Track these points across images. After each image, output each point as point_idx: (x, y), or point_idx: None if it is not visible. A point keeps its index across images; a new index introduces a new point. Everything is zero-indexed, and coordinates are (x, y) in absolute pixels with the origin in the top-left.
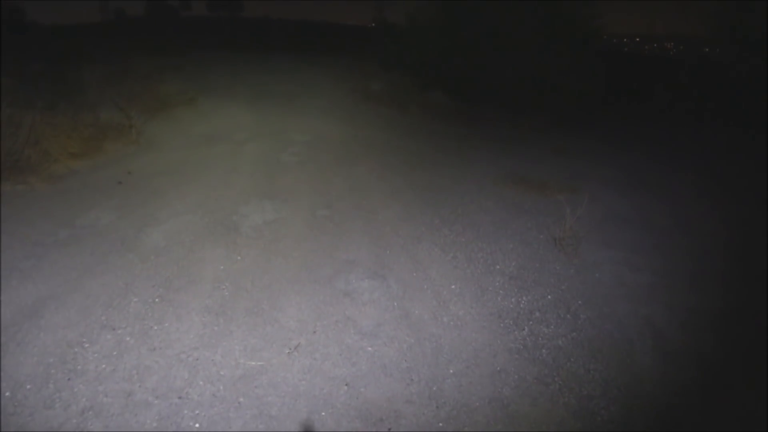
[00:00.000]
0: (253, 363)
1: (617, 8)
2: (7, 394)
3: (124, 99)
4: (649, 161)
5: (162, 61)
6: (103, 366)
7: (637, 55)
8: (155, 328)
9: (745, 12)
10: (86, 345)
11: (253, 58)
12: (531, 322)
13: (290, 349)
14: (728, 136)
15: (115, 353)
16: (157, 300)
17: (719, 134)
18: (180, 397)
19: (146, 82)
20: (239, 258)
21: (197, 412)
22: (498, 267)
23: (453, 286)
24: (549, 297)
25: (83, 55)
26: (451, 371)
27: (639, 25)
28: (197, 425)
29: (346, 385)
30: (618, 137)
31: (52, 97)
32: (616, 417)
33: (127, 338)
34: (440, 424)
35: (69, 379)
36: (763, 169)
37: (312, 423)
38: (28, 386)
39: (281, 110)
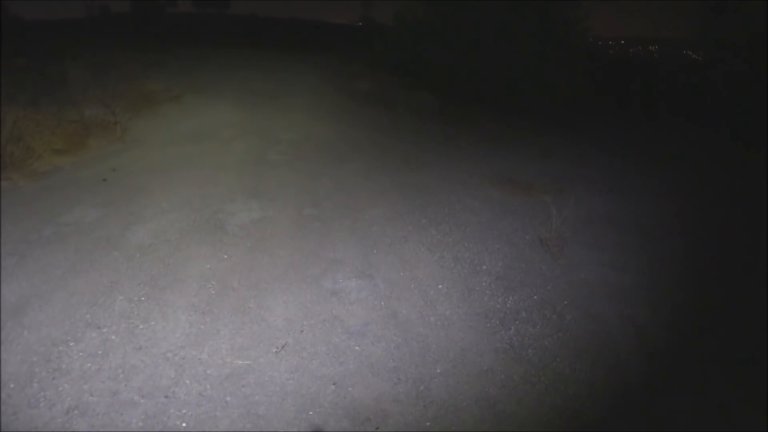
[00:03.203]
0: (240, 362)
1: (603, 11)
2: None
3: (109, 95)
4: (635, 163)
5: (147, 58)
6: (89, 365)
7: (623, 58)
8: (141, 326)
9: (725, 14)
10: (71, 343)
11: (239, 56)
12: (517, 322)
13: (277, 348)
14: (713, 139)
15: (100, 352)
16: (142, 298)
17: (704, 137)
18: (166, 396)
19: (131, 78)
20: (226, 256)
21: (184, 411)
22: (484, 267)
23: (440, 286)
24: (535, 297)
25: (67, 51)
26: (438, 371)
27: (624, 28)
28: (184, 424)
29: (334, 384)
30: (604, 139)
31: (36, 93)
32: (602, 417)
33: (113, 337)
34: (427, 424)
35: (54, 378)
36: (749, 172)
37: (300, 422)
38: (12, 385)
39: (268, 108)
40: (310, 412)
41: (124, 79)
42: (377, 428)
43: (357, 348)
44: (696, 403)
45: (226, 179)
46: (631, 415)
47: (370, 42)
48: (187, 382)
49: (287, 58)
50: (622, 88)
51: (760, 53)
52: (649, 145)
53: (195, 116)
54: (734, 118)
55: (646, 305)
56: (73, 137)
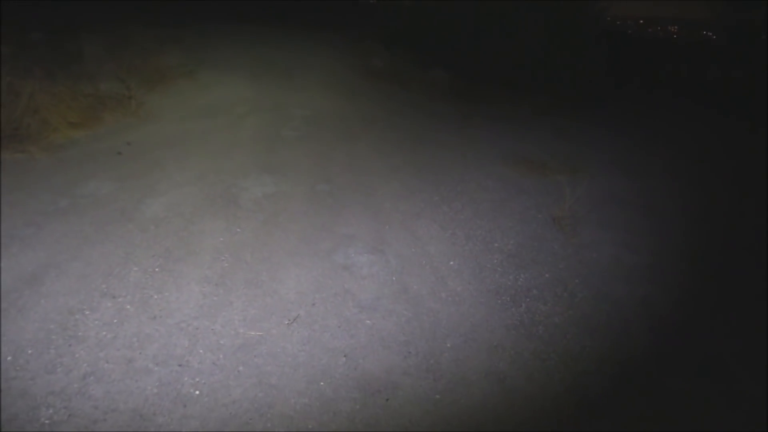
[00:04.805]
0: (253, 333)
1: None
2: (9, 358)
3: (124, 70)
4: (650, 145)
5: (162, 33)
6: (104, 333)
7: (641, 38)
8: (155, 297)
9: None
10: (87, 312)
11: (252, 32)
12: (528, 300)
13: (289, 320)
14: (730, 124)
15: (115, 321)
16: (157, 270)
17: (723, 121)
18: (180, 365)
19: (146, 53)
20: (239, 230)
21: (197, 379)
22: (496, 245)
23: (451, 263)
24: (547, 275)
25: (82, 25)
26: (449, 345)
27: (643, 8)
28: (197, 392)
29: (345, 356)
30: (620, 120)
31: (52, 67)
32: (611, 393)
33: (128, 306)
34: (437, 396)
35: (70, 345)
36: (762, 158)
37: (311, 392)
38: (30, 351)
39: (281, 85)
40: (321, 383)
41: (139, 53)
42: (387, 400)
43: (368, 322)
44: (704, 382)
45: (239, 154)
46: (640, 392)
47: (385, 19)
48: (201, 351)
49: (301, 35)
50: (638, 70)
51: None
52: (665, 127)
53: (209, 92)
54: (754, 102)
55: (657, 285)
56: (89, 111)
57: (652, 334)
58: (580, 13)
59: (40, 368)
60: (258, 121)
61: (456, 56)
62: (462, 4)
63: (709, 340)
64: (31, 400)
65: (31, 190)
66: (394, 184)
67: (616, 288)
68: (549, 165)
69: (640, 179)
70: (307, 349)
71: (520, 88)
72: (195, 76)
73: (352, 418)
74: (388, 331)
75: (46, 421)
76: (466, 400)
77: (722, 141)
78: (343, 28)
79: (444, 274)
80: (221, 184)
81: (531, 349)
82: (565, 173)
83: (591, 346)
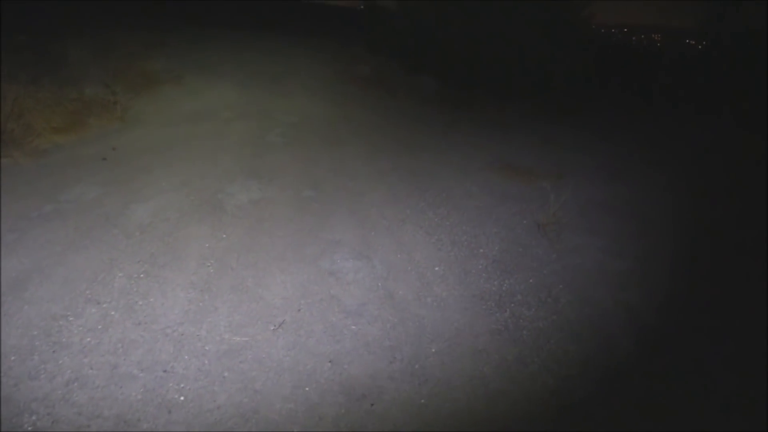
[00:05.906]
0: (238, 338)
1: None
2: None
3: (109, 75)
4: (634, 152)
5: (148, 37)
6: (88, 339)
7: (625, 46)
8: (140, 303)
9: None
10: (71, 318)
11: (239, 38)
12: (513, 305)
13: (275, 325)
14: (714, 130)
15: (100, 327)
16: (142, 275)
17: (705, 128)
18: (165, 371)
19: (132, 58)
20: (224, 236)
21: (182, 385)
22: (481, 251)
23: (437, 268)
24: (531, 281)
25: (67, 29)
26: (434, 350)
27: (628, 16)
28: (182, 398)
29: (330, 361)
30: (604, 126)
31: (36, 71)
32: (594, 396)
33: (112, 312)
34: (422, 401)
35: (54, 352)
36: (749, 162)
37: (296, 398)
38: (13, 358)
39: (268, 90)
40: (307, 388)
41: (125, 58)
42: (372, 404)
43: (354, 327)
44: (687, 384)
45: (225, 160)
46: (622, 395)
47: (372, 25)
48: (186, 357)
49: (287, 41)
50: (623, 76)
51: (762, 44)
52: (649, 133)
53: (195, 97)
54: (734, 106)
55: (640, 290)
56: (74, 116)
57: (635, 339)
58: (566, 20)
59: (23, 374)
60: (244, 126)
61: (441, 61)
62: (449, 4)
63: (691, 344)
64: (14, 407)
65: (15, 196)
66: (380, 190)
67: (599, 293)
68: (534, 171)
69: (624, 185)
70: (292, 355)
71: (506, 94)
72: (181, 81)
73: (337, 423)
74: (374, 337)
75: (30, 428)
76: (450, 405)
77: (708, 146)
78: (330, 34)
79: (429, 280)
80: (207, 189)
81: (515, 354)
82: (550, 179)
83: (574, 351)
